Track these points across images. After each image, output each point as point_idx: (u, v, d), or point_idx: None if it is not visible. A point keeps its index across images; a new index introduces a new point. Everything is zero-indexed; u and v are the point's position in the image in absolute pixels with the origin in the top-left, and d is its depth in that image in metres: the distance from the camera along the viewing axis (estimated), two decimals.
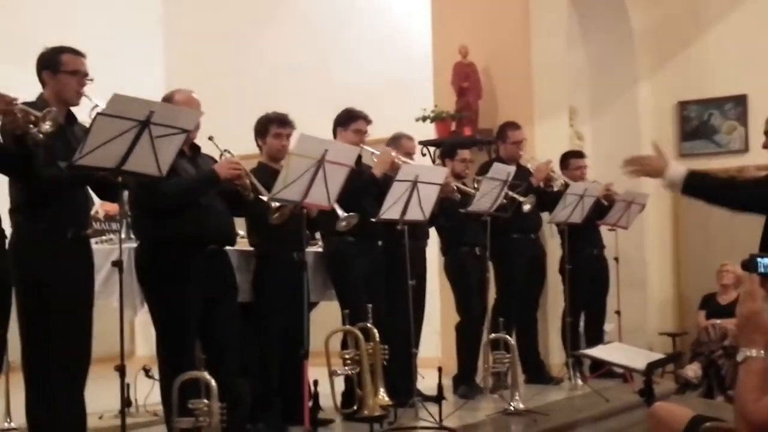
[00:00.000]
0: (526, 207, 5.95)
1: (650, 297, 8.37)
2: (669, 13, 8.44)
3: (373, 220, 4.90)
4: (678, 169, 3.50)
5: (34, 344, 3.88)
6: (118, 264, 3.69)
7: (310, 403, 4.54)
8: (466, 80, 7.22)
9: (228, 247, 4.54)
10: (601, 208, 6.80)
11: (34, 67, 4.03)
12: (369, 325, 4.89)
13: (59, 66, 3.96)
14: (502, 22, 7.31)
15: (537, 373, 6.61)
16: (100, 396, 4.34)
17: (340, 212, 4.62)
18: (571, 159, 7.05)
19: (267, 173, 4.66)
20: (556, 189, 6.46)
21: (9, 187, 3.92)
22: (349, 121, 5.36)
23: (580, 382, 6.38)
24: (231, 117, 6.24)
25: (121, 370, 3.63)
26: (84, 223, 4.05)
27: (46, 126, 3.51)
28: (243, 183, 4.33)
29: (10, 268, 3.78)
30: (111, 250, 4.40)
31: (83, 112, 3.88)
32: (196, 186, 4.34)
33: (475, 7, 7.38)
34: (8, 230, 3.85)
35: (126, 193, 4.19)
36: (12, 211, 3.91)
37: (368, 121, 5.39)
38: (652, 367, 3.73)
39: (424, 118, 7.26)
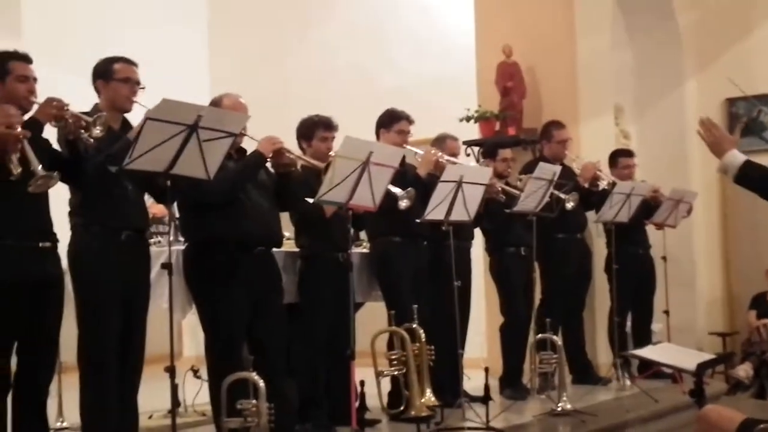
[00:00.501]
0: (569, 205, 5.90)
1: (699, 296, 8.25)
2: (715, 11, 8.31)
3: (418, 220, 4.90)
4: (737, 156, 3.44)
5: (90, 344, 3.96)
6: (167, 266, 3.73)
7: (357, 404, 4.54)
8: (510, 80, 7.18)
9: (274, 249, 4.57)
10: (649, 207, 6.73)
11: (85, 75, 4.13)
12: (415, 325, 4.90)
13: (112, 74, 4.07)
14: (547, 21, 7.27)
15: (584, 373, 6.56)
16: (149, 396, 4.40)
17: (396, 191, 4.60)
18: (620, 158, 6.98)
19: (312, 174, 4.68)
20: (601, 188, 6.40)
21: (69, 192, 4.02)
22: (391, 121, 5.37)
23: (628, 382, 6.31)
24: (275, 121, 6.27)
25: (171, 371, 3.67)
26: (139, 225, 4.13)
27: (97, 131, 3.60)
28: (287, 158, 4.37)
29: (62, 272, 3.87)
30: (159, 252, 4.46)
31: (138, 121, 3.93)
32: (244, 171, 4.36)
33: (519, 6, 7.34)
34: (63, 234, 3.93)
35: None
36: (70, 215, 4.03)
37: (411, 121, 5.38)
38: (702, 367, 3.67)
39: (468, 119, 7.24)
